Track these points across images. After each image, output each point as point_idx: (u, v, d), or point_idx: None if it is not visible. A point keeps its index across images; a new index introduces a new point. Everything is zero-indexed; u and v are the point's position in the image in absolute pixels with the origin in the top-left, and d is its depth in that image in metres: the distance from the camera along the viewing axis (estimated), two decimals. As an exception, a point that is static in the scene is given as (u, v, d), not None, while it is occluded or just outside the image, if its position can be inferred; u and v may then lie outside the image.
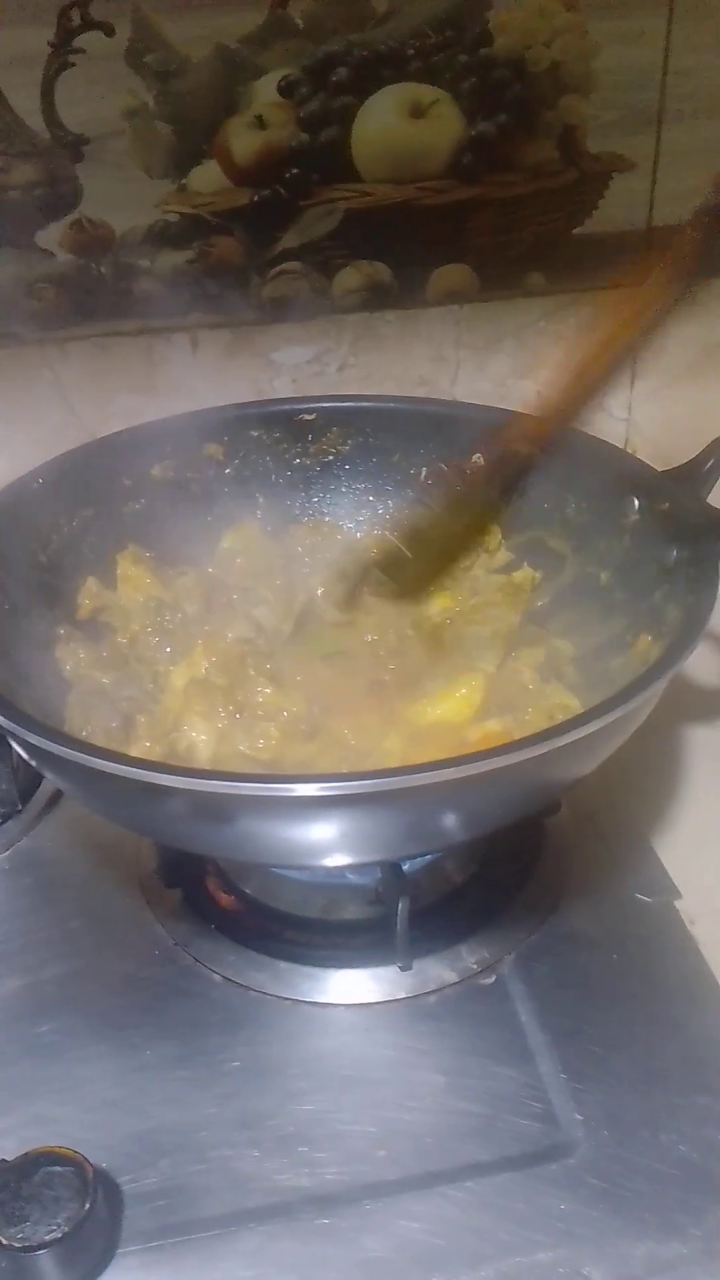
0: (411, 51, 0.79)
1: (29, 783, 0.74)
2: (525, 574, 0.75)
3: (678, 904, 0.67)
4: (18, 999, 0.63)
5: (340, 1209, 0.53)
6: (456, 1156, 0.55)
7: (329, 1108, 0.57)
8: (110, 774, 0.50)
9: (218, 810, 0.51)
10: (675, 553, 0.64)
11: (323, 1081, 0.58)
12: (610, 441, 0.74)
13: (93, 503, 0.72)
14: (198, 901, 0.67)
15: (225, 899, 0.67)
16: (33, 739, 0.52)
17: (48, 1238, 0.46)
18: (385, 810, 0.52)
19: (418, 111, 0.81)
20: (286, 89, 0.78)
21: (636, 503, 0.69)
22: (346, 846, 0.55)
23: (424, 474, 0.79)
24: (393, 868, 0.61)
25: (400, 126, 0.81)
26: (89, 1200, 0.47)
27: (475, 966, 0.63)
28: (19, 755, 0.58)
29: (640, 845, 0.71)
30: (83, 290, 0.81)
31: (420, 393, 0.91)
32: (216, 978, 0.63)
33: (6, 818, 0.72)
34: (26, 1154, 0.49)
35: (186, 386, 0.85)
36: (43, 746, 0.51)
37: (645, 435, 0.98)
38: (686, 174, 0.89)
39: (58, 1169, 0.48)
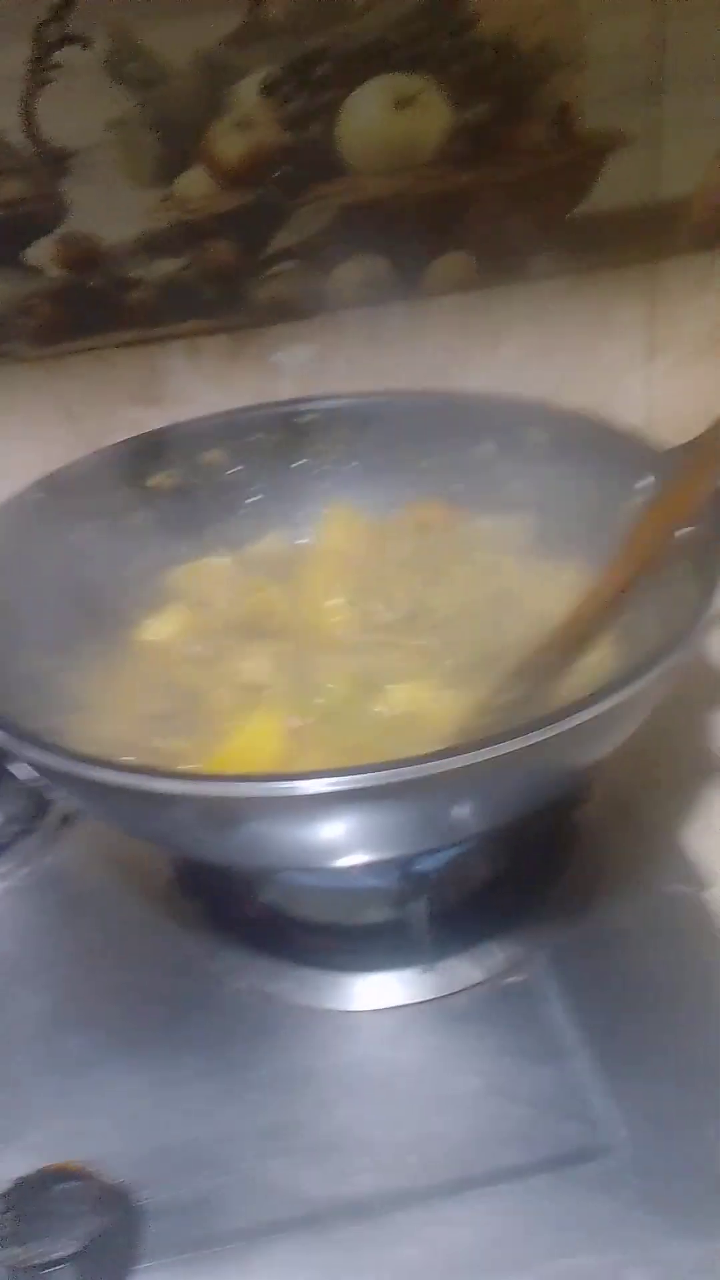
0: (394, 41, 0.78)
1: (46, 798, 0.74)
2: None
3: (705, 895, 0.65)
4: (42, 1016, 0.62)
5: (372, 1217, 0.52)
6: (491, 1160, 0.53)
7: (359, 1115, 0.56)
8: (109, 784, 0.49)
9: (223, 814, 0.50)
10: (684, 530, 0.62)
11: (351, 1089, 0.57)
12: (630, 420, 0.72)
13: (94, 515, 0.72)
14: (218, 912, 0.66)
15: (246, 908, 0.66)
16: (31, 753, 0.51)
17: (63, 1254, 0.45)
18: (396, 802, 0.50)
19: (404, 102, 0.80)
20: (269, 88, 0.77)
21: (650, 480, 0.67)
22: (360, 843, 0.53)
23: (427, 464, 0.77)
24: (409, 866, 0.60)
25: (388, 118, 0.80)
26: (105, 1214, 0.47)
27: (505, 964, 0.61)
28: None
29: (668, 837, 0.69)
30: (77, 304, 0.81)
31: (428, 385, 0.90)
32: (240, 987, 0.62)
33: (25, 834, 0.72)
34: (41, 1170, 0.48)
35: (189, 394, 0.84)
36: (39, 760, 0.51)
37: (666, 411, 0.96)
38: (692, 145, 0.87)
39: (73, 1184, 0.48)
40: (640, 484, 0.68)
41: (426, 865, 0.61)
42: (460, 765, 0.48)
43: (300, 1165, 0.54)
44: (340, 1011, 0.61)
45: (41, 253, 0.79)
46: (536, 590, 0.70)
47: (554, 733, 0.49)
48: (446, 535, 0.75)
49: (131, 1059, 0.60)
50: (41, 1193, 0.47)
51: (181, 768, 0.56)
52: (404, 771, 0.48)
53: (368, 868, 0.60)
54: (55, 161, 0.76)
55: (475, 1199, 0.52)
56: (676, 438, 0.71)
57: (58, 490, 0.70)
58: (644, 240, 0.90)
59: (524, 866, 0.67)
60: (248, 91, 0.77)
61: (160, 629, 0.72)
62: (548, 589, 0.69)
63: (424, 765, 0.48)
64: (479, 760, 0.48)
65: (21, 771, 0.67)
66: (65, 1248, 0.45)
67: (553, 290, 0.90)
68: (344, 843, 0.53)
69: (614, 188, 0.87)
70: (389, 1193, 0.53)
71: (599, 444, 0.71)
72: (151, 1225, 0.51)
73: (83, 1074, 0.59)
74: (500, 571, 0.73)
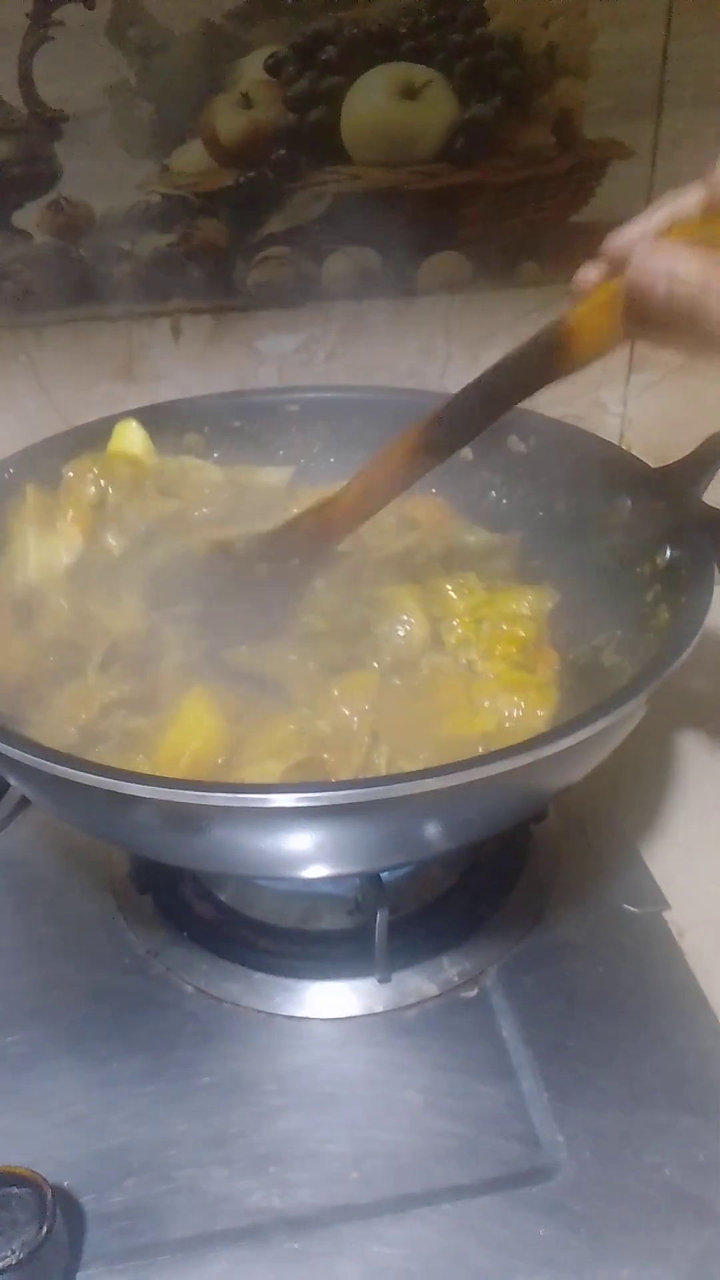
0: (404, 30, 0.76)
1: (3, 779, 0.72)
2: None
3: (666, 915, 0.65)
4: (-17, 1008, 0.61)
5: (312, 1232, 0.51)
6: (434, 1178, 0.53)
7: (303, 1126, 0.56)
8: (73, 781, 0.47)
9: (188, 821, 0.49)
10: (669, 552, 0.62)
11: (297, 1098, 0.57)
12: (604, 436, 0.72)
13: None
14: (171, 908, 0.65)
15: (199, 906, 0.65)
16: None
17: (1, 1264, 0.44)
18: (365, 821, 0.50)
19: (410, 92, 0.78)
20: (274, 67, 0.75)
21: (629, 500, 0.67)
22: (324, 858, 0.53)
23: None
24: (372, 878, 0.59)
25: (391, 108, 0.78)
26: (46, 1223, 0.46)
27: (457, 979, 0.61)
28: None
29: (629, 853, 0.69)
30: (61, 273, 0.78)
31: (409, 384, 0.89)
32: (189, 988, 0.61)
33: (-24, 817, 0.70)
34: (-17, 1176, 0.47)
35: (168, 374, 0.82)
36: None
37: (640, 430, 0.96)
38: (686, 162, 0.86)
39: (14, 1190, 0.46)
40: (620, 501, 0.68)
41: (388, 876, 0.61)
42: (431, 788, 0.47)
43: (242, 1175, 0.54)
44: (290, 1018, 0.60)
45: (29, 217, 0.76)
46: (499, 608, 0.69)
47: (532, 758, 0.48)
48: (433, 538, 0.73)
49: (74, 1057, 0.58)
50: (-18, 1199, 0.46)
51: (145, 772, 0.55)
52: (376, 790, 0.47)
53: (328, 878, 0.59)
54: (50, 124, 0.73)
55: (415, 1217, 0.52)
56: (647, 453, 0.71)
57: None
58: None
59: (481, 880, 0.67)
60: (251, 68, 0.75)
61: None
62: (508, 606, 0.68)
63: (395, 785, 0.47)
64: (451, 784, 0.47)
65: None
66: (4, 1258, 0.44)
67: (539, 298, 0.90)
68: (309, 856, 0.52)
69: (608, 199, 0.87)
70: (330, 1208, 0.52)
71: (579, 454, 0.71)
72: (91, 1232, 0.50)
73: (24, 1070, 0.58)
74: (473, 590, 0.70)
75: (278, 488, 0.75)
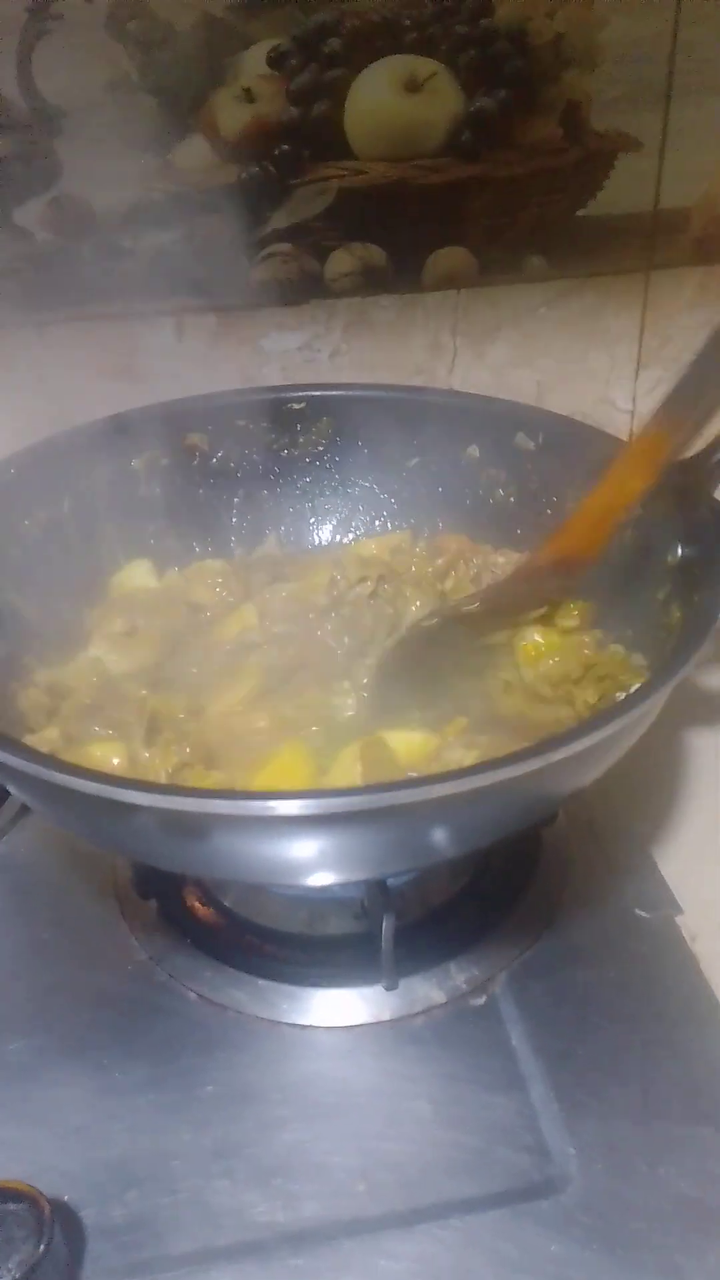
0: (407, 22, 0.75)
1: (1, 787, 0.71)
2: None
3: (679, 919, 0.64)
4: (-16, 1016, 0.60)
5: (318, 1247, 0.50)
6: (442, 1191, 0.52)
7: (308, 1137, 0.54)
8: (73, 790, 0.46)
9: (190, 829, 0.48)
10: (680, 550, 0.61)
11: (302, 1108, 0.56)
12: (614, 434, 0.71)
13: (70, 494, 0.69)
14: (174, 913, 0.64)
15: (203, 911, 0.64)
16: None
17: (0, 1283, 0.43)
18: (370, 828, 0.49)
19: (414, 85, 0.77)
20: (276, 60, 0.74)
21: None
22: (329, 865, 0.51)
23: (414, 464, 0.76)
24: (378, 884, 0.58)
25: (395, 101, 0.77)
26: (44, 1241, 0.45)
27: (465, 986, 0.60)
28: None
29: (640, 857, 0.68)
30: (62, 271, 0.78)
31: (416, 381, 0.88)
32: (192, 995, 0.60)
33: (-22, 822, 0.69)
34: (-18, 1191, 0.46)
35: (170, 373, 0.81)
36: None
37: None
38: (695, 153, 0.85)
39: (11, 1206, 0.46)
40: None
41: (394, 880, 0.60)
42: (436, 794, 0.46)
43: (246, 1188, 0.52)
44: (295, 1026, 0.59)
45: (30, 215, 0.75)
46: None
47: (539, 764, 0.47)
48: (464, 566, 0.73)
49: (75, 1065, 0.57)
50: (-20, 1215, 0.45)
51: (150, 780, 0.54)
52: (381, 797, 0.46)
53: (333, 885, 0.58)
54: (49, 119, 0.72)
55: (423, 1233, 0.51)
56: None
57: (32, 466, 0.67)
58: (641, 249, 0.89)
59: (490, 884, 0.66)
60: (253, 62, 0.74)
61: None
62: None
63: (401, 792, 0.46)
64: (457, 789, 0.46)
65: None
66: (2, 1276, 0.43)
67: (545, 293, 0.88)
68: (313, 863, 0.51)
69: (615, 193, 0.86)
70: (335, 1222, 0.51)
71: (588, 452, 0.70)
72: (91, 1246, 0.49)
73: (24, 1080, 0.57)
74: None
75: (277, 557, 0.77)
